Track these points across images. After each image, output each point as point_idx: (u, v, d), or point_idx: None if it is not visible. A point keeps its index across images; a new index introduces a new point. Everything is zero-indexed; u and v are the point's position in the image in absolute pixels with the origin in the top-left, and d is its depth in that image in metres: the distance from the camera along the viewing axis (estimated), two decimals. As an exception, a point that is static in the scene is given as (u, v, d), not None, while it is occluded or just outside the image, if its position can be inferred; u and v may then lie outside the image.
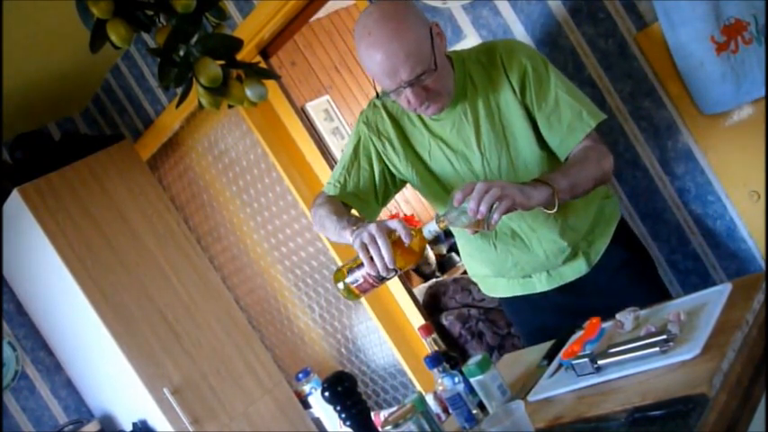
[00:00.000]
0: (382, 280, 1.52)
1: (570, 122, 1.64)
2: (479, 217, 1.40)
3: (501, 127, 1.70)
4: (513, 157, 1.70)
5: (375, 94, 1.69)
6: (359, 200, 1.79)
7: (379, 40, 1.54)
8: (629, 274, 1.82)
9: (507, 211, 1.42)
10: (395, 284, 3.04)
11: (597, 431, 1.22)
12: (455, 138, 1.72)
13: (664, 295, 1.84)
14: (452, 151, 1.74)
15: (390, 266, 1.44)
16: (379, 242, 1.44)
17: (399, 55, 1.53)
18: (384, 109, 1.79)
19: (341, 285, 1.58)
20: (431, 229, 1.47)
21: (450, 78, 1.66)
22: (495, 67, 1.69)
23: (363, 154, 1.81)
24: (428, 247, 4.23)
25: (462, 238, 1.91)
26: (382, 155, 1.80)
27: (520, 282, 1.86)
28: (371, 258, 1.45)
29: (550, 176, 1.53)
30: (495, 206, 1.40)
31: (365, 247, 1.46)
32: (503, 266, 1.83)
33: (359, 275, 1.53)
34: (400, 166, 1.79)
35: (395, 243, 1.45)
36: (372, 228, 1.46)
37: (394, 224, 1.46)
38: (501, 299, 1.96)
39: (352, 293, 1.57)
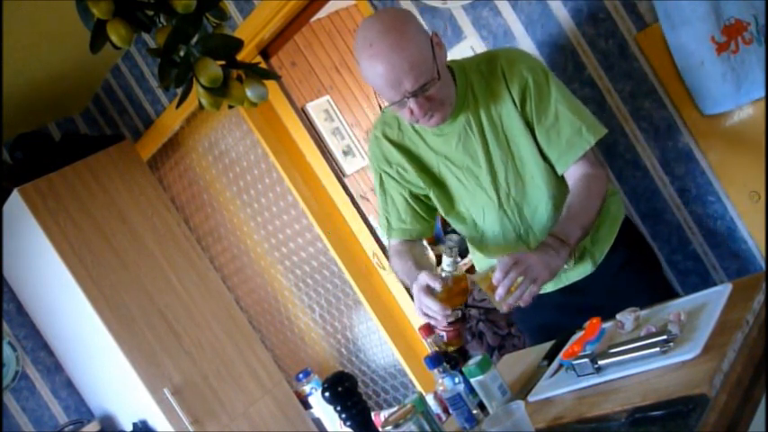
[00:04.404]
0: (455, 322, 1.95)
1: (569, 138, 1.64)
2: (505, 309, 1.53)
3: (505, 138, 1.70)
4: (519, 168, 1.71)
5: (378, 106, 1.72)
6: (408, 230, 1.86)
7: (382, 51, 1.53)
8: (633, 273, 1.81)
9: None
10: (395, 285, 3.04)
11: (597, 431, 1.22)
12: (461, 153, 1.72)
13: (667, 295, 1.83)
14: (458, 168, 1.74)
15: (446, 316, 1.60)
16: (425, 306, 1.59)
17: (403, 66, 1.53)
18: (386, 139, 1.81)
19: (441, 346, 1.79)
20: (476, 272, 1.72)
21: (452, 88, 1.66)
22: (495, 78, 1.68)
23: (389, 187, 1.84)
24: (430, 248, 4.24)
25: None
26: (401, 180, 1.82)
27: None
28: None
29: (566, 232, 1.57)
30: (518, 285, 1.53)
31: (425, 315, 1.61)
32: None
33: (440, 332, 1.94)
34: (418, 184, 1.81)
35: (444, 292, 1.61)
36: (417, 298, 1.61)
37: (433, 283, 1.59)
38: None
39: (450, 344, 2.00)
